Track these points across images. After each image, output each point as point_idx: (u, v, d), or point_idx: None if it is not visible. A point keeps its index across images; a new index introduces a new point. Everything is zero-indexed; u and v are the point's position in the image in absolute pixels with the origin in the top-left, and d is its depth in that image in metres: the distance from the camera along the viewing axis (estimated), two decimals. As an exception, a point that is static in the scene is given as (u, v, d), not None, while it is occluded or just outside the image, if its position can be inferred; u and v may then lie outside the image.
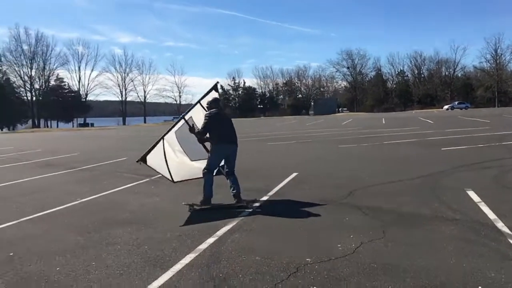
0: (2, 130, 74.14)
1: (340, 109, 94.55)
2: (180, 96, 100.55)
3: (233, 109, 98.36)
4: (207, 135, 6.51)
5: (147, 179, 9.45)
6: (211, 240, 4.87)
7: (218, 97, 6.91)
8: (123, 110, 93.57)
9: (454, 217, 5.49)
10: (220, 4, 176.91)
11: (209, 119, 6.39)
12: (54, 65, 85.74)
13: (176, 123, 6.93)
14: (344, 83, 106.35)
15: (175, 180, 7.05)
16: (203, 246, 4.67)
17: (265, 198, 7.06)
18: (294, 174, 9.31)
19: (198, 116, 6.83)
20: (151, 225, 5.65)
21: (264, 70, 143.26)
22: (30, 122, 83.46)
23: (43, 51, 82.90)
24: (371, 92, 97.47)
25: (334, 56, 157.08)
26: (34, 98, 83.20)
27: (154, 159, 6.67)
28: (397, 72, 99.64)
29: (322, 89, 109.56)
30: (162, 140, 6.70)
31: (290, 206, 6.46)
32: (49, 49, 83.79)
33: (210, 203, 6.51)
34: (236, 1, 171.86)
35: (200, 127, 6.51)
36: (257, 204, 6.57)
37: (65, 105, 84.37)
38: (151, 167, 6.76)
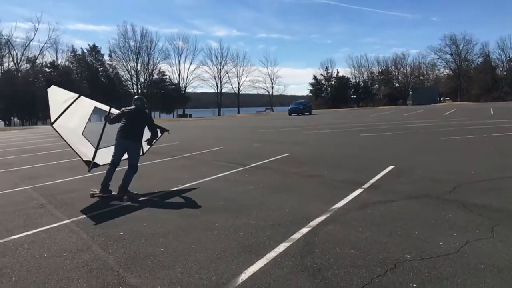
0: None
1: (441, 99, 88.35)
2: (272, 87, 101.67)
3: (325, 99, 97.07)
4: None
5: (241, 168, 9.73)
6: (304, 230, 4.88)
7: (142, 96, 7.82)
8: (218, 101, 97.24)
9: None
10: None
11: (120, 112, 7.41)
12: (157, 59, 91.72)
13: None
14: (447, 71, 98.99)
15: (84, 158, 7.90)
16: (297, 235, 4.69)
17: (359, 191, 6.86)
18: (391, 167, 8.93)
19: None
20: (246, 213, 5.81)
21: (358, 59, 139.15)
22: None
23: (148, 46, 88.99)
24: (478, 80, 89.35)
25: (435, 42, 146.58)
26: (139, 91, 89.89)
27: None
28: (508, 58, 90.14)
29: (421, 78, 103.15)
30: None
31: (387, 200, 6.20)
32: (152, 45, 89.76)
33: (106, 191, 7.10)
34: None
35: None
36: (143, 198, 6.81)
37: (167, 97, 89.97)
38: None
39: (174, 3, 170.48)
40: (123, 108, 7.47)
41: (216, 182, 8.32)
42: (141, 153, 7.92)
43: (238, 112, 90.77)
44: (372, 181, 7.60)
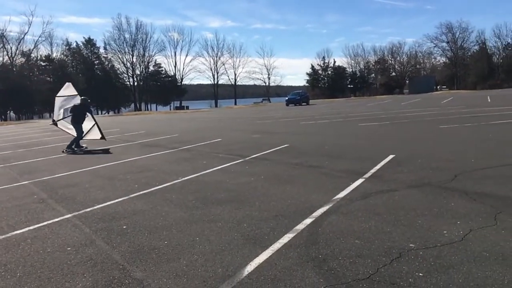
0: (108, 113, 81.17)
1: (438, 87, 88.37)
2: (269, 78, 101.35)
3: (322, 89, 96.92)
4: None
5: (241, 160, 9.72)
6: (308, 221, 4.88)
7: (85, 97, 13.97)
8: (215, 92, 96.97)
9: None
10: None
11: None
12: (152, 51, 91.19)
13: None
14: (443, 59, 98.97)
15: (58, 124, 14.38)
16: (301, 226, 4.69)
17: (360, 180, 6.87)
18: (391, 156, 8.93)
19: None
20: (248, 205, 5.80)
21: (354, 48, 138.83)
22: (132, 105, 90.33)
23: (143, 38, 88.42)
24: (474, 68, 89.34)
25: (431, 31, 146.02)
26: (135, 83, 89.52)
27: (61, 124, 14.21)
28: (504, 45, 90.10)
29: (418, 66, 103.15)
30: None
31: (389, 190, 6.20)
32: (148, 37, 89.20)
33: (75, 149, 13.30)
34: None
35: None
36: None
37: (163, 89, 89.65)
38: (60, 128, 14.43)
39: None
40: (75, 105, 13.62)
41: (217, 174, 8.30)
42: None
43: (235, 104, 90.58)
44: (373, 170, 7.60)
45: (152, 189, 7.15)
